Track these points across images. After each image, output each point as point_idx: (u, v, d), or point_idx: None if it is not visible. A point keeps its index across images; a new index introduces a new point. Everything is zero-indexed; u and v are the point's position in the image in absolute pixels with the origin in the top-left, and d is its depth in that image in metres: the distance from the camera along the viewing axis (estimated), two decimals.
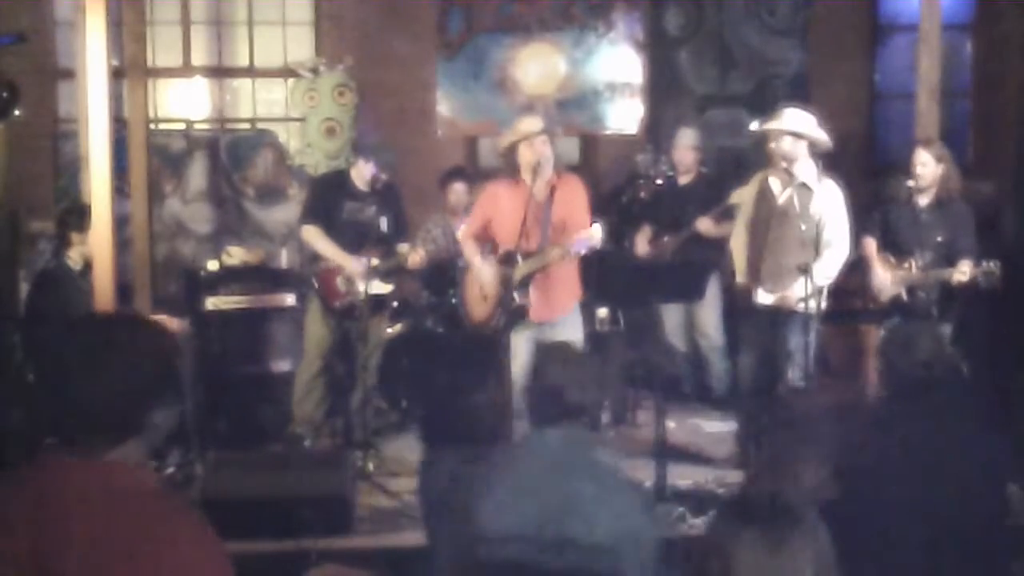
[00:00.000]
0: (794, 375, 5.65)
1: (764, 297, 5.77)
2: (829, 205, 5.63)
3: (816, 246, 5.53)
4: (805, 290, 5.44)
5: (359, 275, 6.07)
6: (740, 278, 5.96)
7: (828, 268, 5.62)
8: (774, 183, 5.76)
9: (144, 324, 2.15)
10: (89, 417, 1.95)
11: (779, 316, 5.69)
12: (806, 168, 5.65)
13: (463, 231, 6.04)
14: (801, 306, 5.51)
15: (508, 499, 2.84)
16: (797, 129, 5.64)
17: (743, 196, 6.06)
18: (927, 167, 5.84)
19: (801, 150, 5.64)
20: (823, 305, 5.63)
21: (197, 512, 2.03)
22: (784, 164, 5.65)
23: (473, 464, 3.04)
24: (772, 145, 5.71)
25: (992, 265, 5.62)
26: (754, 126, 6.00)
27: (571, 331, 5.52)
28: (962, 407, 3.51)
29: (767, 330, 5.76)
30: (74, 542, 1.87)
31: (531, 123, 5.68)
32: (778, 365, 5.74)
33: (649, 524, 2.88)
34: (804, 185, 5.63)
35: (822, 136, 5.68)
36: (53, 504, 1.91)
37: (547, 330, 5.54)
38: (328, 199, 6.25)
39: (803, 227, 5.55)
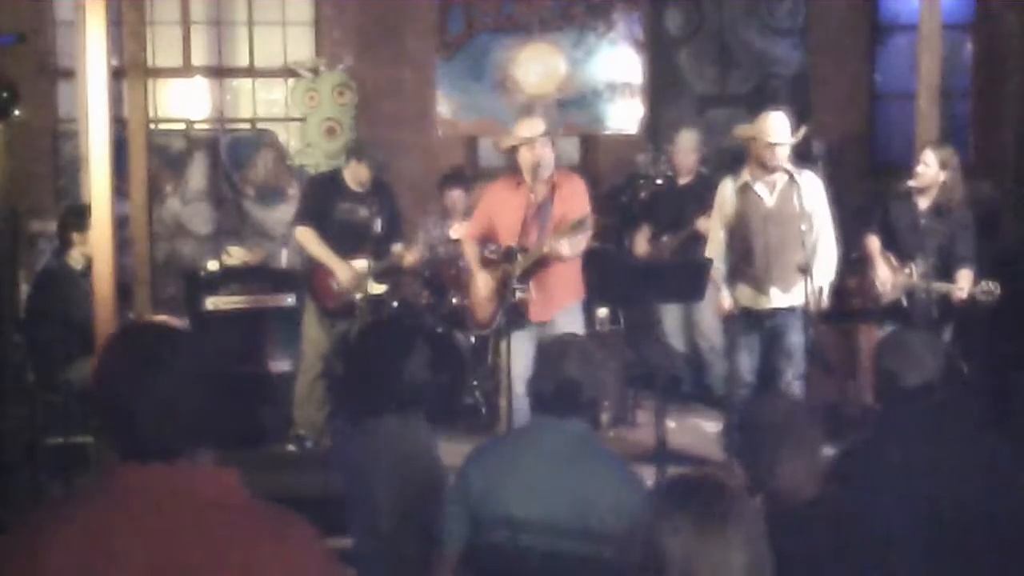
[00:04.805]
0: (793, 373, 5.66)
1: (779, 299, 5.72)
2: (813, 196, 5.66)
3: (811, 240, 5.50)
4: (805, 288, 5.44)
5: (349, 284, 6.07)
6: (724, 285, 5.89)
7: (828, 263, 5.64)
8: (759, 187, 5.74)
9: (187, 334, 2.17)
10: (164, 424, 1.88)
11: (788, 316, 5.67)
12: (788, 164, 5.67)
13: (464, 232, 6.04)
14: (801, 303, 5.51)
15: (518, 488, 2.90)
16: (790, 138, 5.63)
17: (723, 199, 5.99)
18: (929, 168, 5.81)
19: (787, 150, 5.66)
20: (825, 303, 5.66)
21: (304, 521, 1.98)
22: (778, 167, 5.63)
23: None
24: (766, 152, 5.63)
25: (991, 285, 5.60)
26: (740, 131, 5.93)
27: (570, 328, 5.49)
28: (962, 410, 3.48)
29: (774, 331, 5.75)
30: (157, 549, 1.81)
31: (531, 126, 5.65)
32: (779, 365, 5.75)
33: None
34: (791, 179, 5.62)
35: (802, 134, 5.75)
36: (133, 511, 1.83)
37: (547, 329, 5.53)
38: (321, 200, 6.24)
39: (800, 224, 5.49)
